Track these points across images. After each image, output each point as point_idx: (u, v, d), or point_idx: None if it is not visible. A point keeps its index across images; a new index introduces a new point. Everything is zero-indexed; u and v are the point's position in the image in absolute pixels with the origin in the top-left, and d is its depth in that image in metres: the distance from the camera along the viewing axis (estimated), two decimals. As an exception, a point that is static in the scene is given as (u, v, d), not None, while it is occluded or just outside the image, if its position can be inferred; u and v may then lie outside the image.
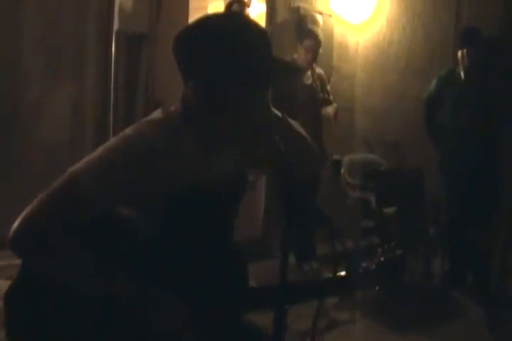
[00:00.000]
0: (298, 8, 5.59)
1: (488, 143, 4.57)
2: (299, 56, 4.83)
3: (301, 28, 5.02)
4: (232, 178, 1.65)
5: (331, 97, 5.21)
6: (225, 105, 1.50)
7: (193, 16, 5.20)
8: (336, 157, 5.60)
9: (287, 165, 1.46)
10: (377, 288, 1.59)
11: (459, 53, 4.65)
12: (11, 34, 3.82)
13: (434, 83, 4.84)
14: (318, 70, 5.08)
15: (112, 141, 1.50)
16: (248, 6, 4.55)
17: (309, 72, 4.97)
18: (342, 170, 5.52)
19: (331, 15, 5.96)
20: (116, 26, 4.16)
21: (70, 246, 1.43)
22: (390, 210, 5.01)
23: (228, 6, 4.48)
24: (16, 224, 1.40)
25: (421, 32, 6.60)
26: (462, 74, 4.65)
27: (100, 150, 1.48)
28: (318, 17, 5.61)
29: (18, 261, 1.50)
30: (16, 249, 1.43)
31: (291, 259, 4.90)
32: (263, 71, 1.50)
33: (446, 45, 6.38)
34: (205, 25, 1.50)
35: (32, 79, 3.87)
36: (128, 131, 1.51)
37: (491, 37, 6.27)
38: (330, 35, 5.93)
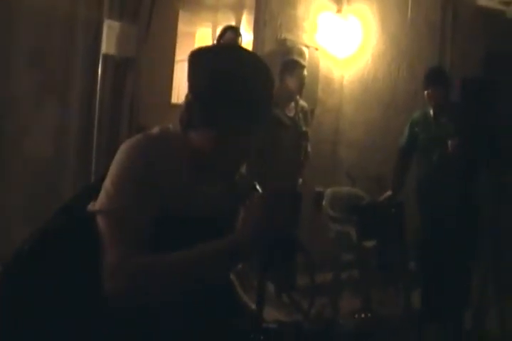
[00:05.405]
0: (285, 40, 5.66)
1: (460, 181, 4.60)
2: (286, 85, 4.83)
3: (287, 58, 5.04)
4: (220, 208, 1.63)
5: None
6: (223, 139, 1.53)
7: (181, 42, 5.25)
8: (318, 189, 5.59)
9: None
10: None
11: (425, 93, 4.75)
12: (1, 54, 3.82)
13: (406, 130, 4.94)
14: (302, 103, 5.08)
15: (116, 157, 1.52)
16: (240, 35, 4.59)
17: (292, 104, 4.97)
18: (324, 203, 5.51)
19: (317, 49, 6.04)
20: (103, 49, 4.16)
21: (149, 264, 1.43)
22: (370, 244, 5.00)
23: (222, 34, 4.51)
24: (106, 285, 1.39)
25: (405, 69, 6.69)
26: (431, 113, 4.76)
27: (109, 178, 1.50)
28: (305, 50, 5.66)
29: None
30: (118, 300, 1.41)
31: (271, 290, 4.85)
32: (263, 110, 1.57)
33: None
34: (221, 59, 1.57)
35: (19, 98, 3.86)
36: (126, 146, 1.53)
37: (471, 77, 6.39)
38: (315, 68, 5.99)
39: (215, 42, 4.44)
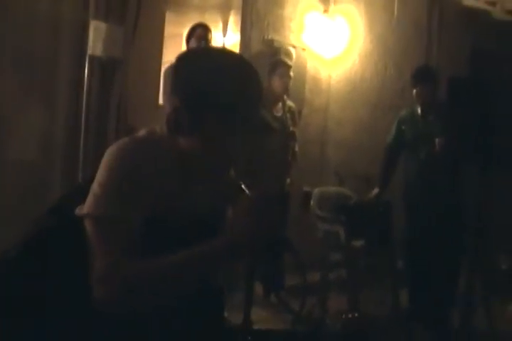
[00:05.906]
0: (272, 41, 5.67)
1: (447, 177, 4.64)
2: (273, 85, 4.84)
3: (274, 59, 5.06)
4: (208, 209, 1.63)
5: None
6: (214, 140, 1.54)
7: (168, 43, 5.24)
8: (306, 189, 5.60)
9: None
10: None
11: (414, 91, 4.79)
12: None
13: (393, 128, 4.99)
14: (289, 103, 5.09)
15: (102, 163, 1.50)
16: (210, 31, 4.59)
17: (280, 104, 4.98)
18: (312, 203, 5.51)
19: (304, 49, 6.05)
20: (90, 51, 4.14)
21: (142, 268, 1.43)
22: (358, 243, 5.01)
23: (192, 31, 4.52)
24: (96, 290, 1.38)
25: (392, 69, 6.71)
26: (419, 111, 4.79)
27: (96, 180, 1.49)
28: (292, 50, 5.67)
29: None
30: (111, 305, 1.40)
31: (260, 290, 4.85)
32: (252, 110, 1.57)
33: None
34: (211, 63, 1.56)
35: (4, 99, 3.83)
36: (113, 149, 1.51)
37: (458, 76, 6.41)
38: (303, 69, 6.00)
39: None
